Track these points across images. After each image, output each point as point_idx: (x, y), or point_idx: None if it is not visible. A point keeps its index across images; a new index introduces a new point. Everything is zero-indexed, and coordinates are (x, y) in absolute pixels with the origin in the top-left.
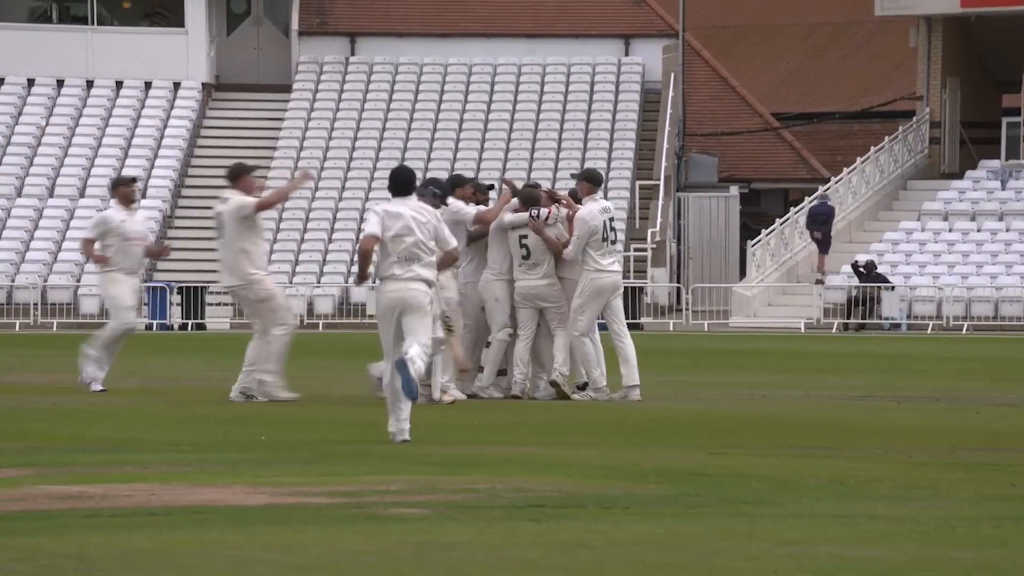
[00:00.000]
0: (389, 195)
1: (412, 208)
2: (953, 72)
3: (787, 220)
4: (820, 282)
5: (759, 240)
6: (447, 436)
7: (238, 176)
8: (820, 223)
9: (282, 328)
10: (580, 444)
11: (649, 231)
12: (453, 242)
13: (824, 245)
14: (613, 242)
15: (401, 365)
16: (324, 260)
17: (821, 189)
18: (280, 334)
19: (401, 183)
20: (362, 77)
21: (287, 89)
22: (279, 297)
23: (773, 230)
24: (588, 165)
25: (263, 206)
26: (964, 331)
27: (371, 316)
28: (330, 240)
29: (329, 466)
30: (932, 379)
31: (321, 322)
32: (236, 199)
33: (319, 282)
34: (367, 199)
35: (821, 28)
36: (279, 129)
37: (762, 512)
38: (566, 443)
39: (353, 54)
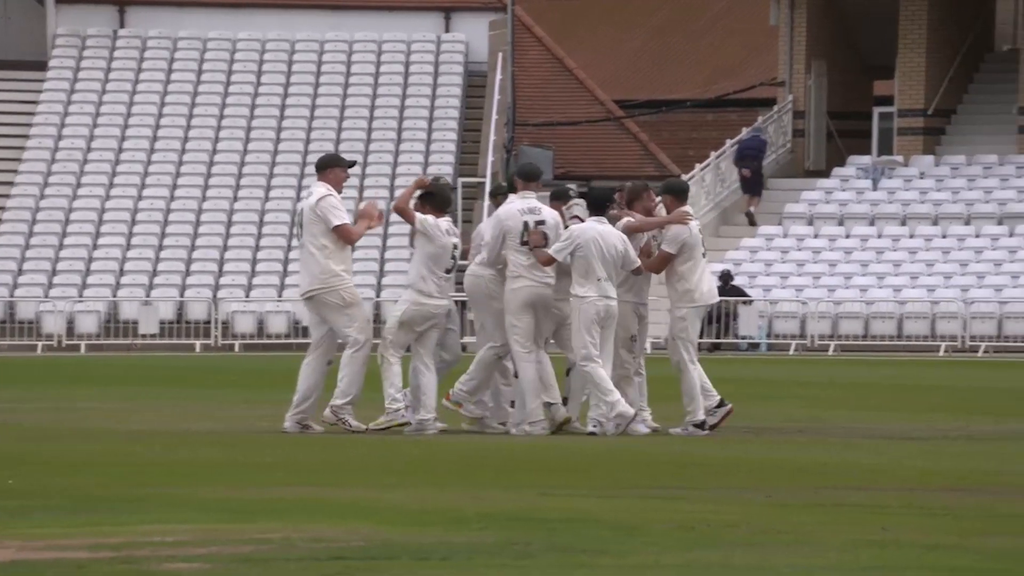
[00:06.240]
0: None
1: (602, 232)
2: (819, 54)
3: None
4: (752, 222)
5: None
6: (234, 477)
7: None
8: (751, 159)
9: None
10: (390, 485)
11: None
12: (637, 262)
13: (755, 185)
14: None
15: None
16: (88, 269)
17: (758, 122)
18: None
19: (598, 202)
20: (134, 54)
21: (41, 67)
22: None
23: None
24: (403, 159)
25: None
26: (831, 352)
27: (144, 336)
28: (95, 246)
29: (91, 514)
30: (794, 407)
31: (84, 343)
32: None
33: (81, 295)
34: (140, 197)
35: (670, 2)
36: (32, 114)
37: (602, 563)
38: (374, 484)
39: (122, 26)
